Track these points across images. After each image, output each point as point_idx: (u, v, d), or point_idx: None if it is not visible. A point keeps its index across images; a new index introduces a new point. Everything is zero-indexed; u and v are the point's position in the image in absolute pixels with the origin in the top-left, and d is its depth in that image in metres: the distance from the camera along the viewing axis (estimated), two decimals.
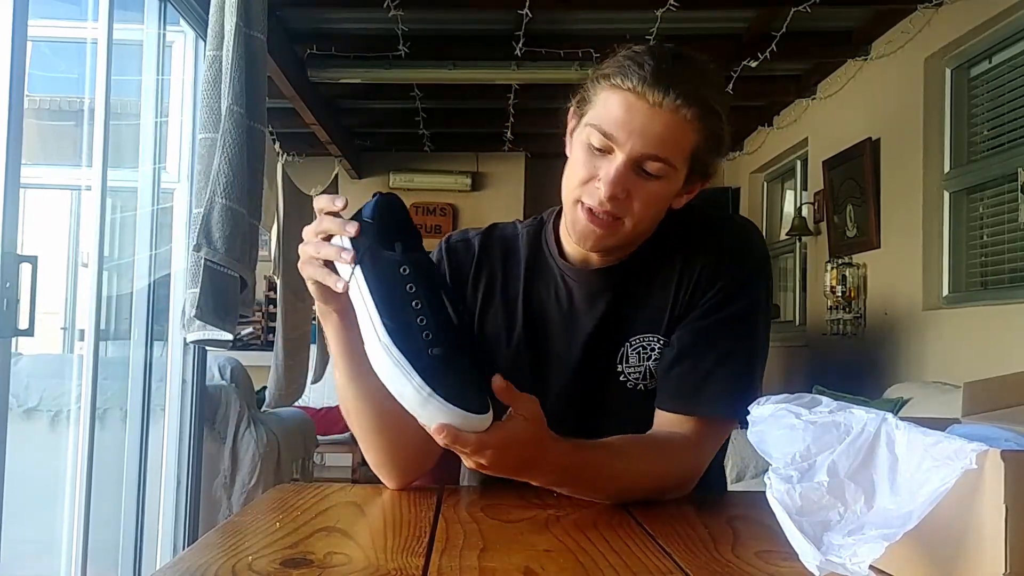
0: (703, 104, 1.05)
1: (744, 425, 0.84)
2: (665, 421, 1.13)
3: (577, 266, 1.20)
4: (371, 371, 0.93)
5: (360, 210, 0.98)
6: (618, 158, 1.06)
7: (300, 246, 0.99)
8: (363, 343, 0.93)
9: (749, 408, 0.82)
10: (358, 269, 0.94)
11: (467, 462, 0.94)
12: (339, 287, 0.95)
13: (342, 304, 0.99)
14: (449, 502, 1.04)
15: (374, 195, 0.98)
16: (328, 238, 0.97)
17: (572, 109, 1.14)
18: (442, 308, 0.93)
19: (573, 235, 1.14)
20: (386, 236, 0.95)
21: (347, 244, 0.95)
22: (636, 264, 1.19)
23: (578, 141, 1.11)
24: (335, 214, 0.97)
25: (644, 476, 1.05)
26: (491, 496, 1.04)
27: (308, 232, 0.98)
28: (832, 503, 0.69)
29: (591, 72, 1.12)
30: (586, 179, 1.09)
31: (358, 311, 0.94)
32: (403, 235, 0.96)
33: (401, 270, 0.92)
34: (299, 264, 0.99)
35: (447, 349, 0.90)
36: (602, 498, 1.03)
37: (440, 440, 0.89)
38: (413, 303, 0.91)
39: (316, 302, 1.03)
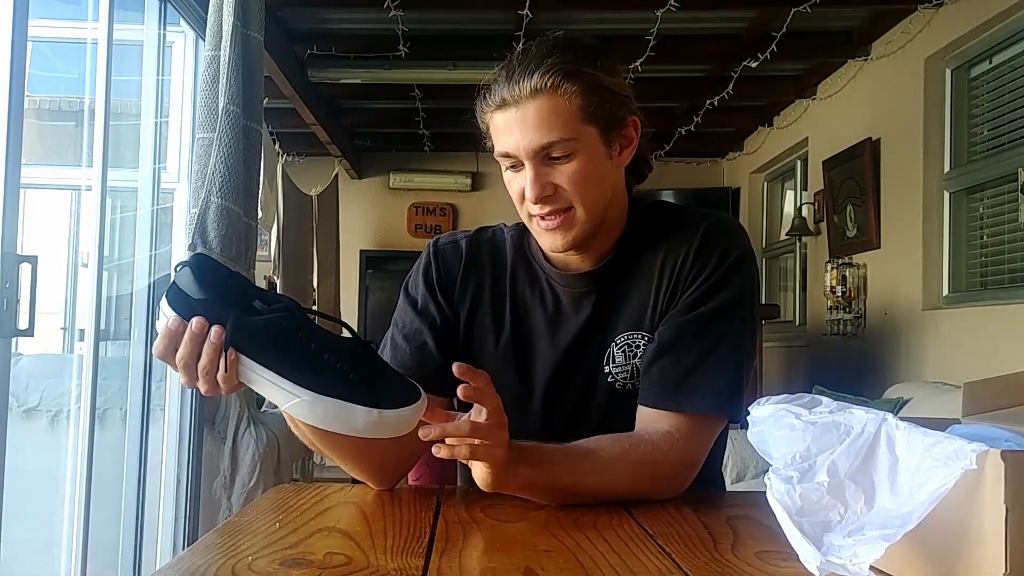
0: (556, 70, 1.08)
1: (744, 425, 0.84)
2: (647, 417, 1.12)
3: (561, 270, 1.21)
4: None
5: (173, 292, 0.89)
6: (526, 165, 1.11)
7: (184, 380, 0.92)
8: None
9: (747, 407, 0.82)
10: (230, 351, 0.87)
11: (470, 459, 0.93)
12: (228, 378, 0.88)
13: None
14: (449, 502, 1.04)
15: (177, 267, 0.90)
16: (195, 357, 0.89)
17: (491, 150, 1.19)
18: (327, 332, 0.91)
19: (546, 247, 1.18)
20: (235, 301, 0.88)
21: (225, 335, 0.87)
22: (619, 264, 1.20)
23: (503, 171, 1.17)
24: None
25: (625, 476, 1.04)
26: (491, 496, 1.04)
27: (179, 359, 0.90)
28: (832, 503, 0.69)
29: (477, 115, 1.17)
30: (520, 197, 1.14)
31: (255, 385, 0.89)
32: (243, 288, 0.90)
33: (283, 326, 0.88)
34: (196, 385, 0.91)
35: (361, 366, 0.89)
36: (584, 501, 1.02)
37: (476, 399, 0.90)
38: (311, 347, 0.88)
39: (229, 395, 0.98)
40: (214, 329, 0.88)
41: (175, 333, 0.89)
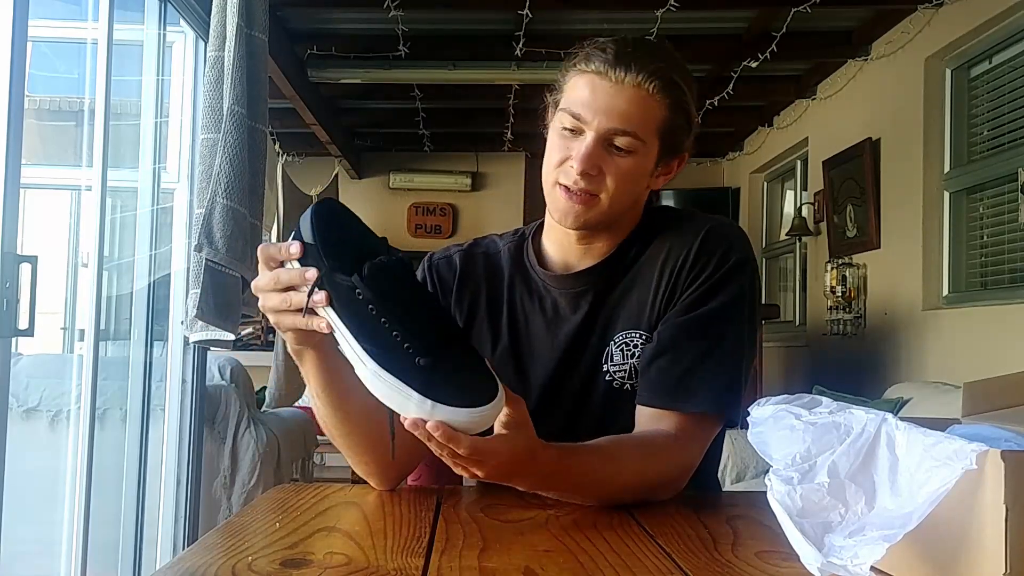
0: (665, 78, 1.11)
1: (744, 425, 0.84)
2: (646, 417, 1.12)
3: (558, 272, 1.22)
4: (353, 396, 0.96)
5: (298, 229, 0.92)
6: (588, 136, 1.11)
7: (261, 302, 0.95)
8: (345, 370, 0.91)
9: (746, 408, 0.82)
10: (318, 293, 0.90)
11: (456, 468, 0.92)
12: (324, 327, 0.91)
13: (318, 338, 0.96)
14: (449, 502, 1.04)
15: (309, 208, 0.92)
16: (287, 288, 0.92)
17: (549, 102, 1.19)
18: (413, 313, 0.90)
19: (555, 216, 1.17)
20: (334, 255, 0.90)
21: (312, 284, 0.90)
22: (617, 262, 1.20)
23: (553, 127, 1.17)
24: (281, 264, 0.93)
25: (631, 478, 1.04)
26: (491, 496, 1.04)
27: (263, 285, 0.93)
28: (833, 504, 0.69)
29: (563, 64, 1.17)
30: (561, 160, 1.14)
31: (339, 342, 0.91)
32: (348, 246, 0.91)
33: (357, 295, 0.88)
34: (272, 320, 0.95)
35: (433, 353, 0.87)
36: (590, 501, 1.02)
37: (437, 439, 0.88)
38: (382, 321, 0.88)
39: (289, 345, 1.01)
40: (311, 271, 0.89)
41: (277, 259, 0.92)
